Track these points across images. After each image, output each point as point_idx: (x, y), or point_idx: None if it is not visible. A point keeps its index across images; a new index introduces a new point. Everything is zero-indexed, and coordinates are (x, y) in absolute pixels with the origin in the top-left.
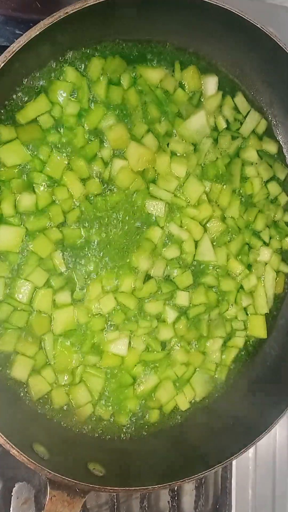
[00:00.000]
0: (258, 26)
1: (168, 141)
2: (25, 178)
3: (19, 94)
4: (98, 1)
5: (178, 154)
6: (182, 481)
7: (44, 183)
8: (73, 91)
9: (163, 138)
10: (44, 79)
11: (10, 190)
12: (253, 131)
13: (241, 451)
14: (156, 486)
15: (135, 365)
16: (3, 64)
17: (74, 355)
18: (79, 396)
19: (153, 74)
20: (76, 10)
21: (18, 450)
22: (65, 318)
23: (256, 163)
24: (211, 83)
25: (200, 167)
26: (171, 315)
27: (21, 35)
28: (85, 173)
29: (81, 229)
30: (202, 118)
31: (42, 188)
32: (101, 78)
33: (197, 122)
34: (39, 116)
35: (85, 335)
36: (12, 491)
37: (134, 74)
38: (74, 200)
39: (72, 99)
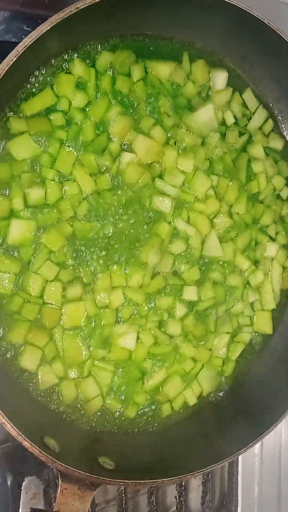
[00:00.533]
0: (265, 21)
1: (176, 134)
2: (35, 172)
3: (29, 87)
4: None
5: (186, 148)
6: (191, 474)
7: (54, 178)
8: (80, 84)
9: (170, 131)
10: (53, 72)
11: (20, 184)
12: (260, 128)
13: (249, 445)
14: (165, 479)
15: (144, 360)
16: (15, 58)
17: (84, 348)
18: (88, 390)
19: (163, 68)
20: (87, 5)
21: (30, 442)
22: (75, 311)
23: (262, 159)
24: (220, 78)
25: (208, 161)
26: (180, 310)
27: (29, 31)
28: (94, 168)
29: (91, 223)
30: (210, 111)
31: (52, 182)
32: (108, 71)
33: (205, 115)
34: (51, 113)
35: (94, 328)
36: (21, 486)
37: (145, 66)
38: (84, 195)
39: (79, 91)
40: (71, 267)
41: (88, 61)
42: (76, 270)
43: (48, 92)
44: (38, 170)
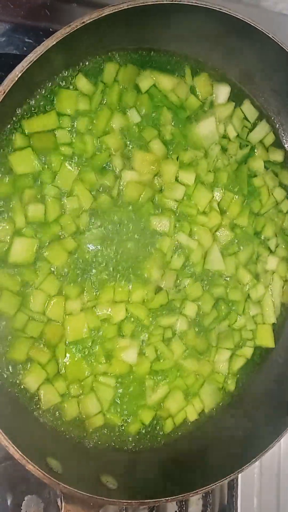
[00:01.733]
0: (270, 35)
1: (177, 147)
2: (35, 188)
3: (32, 103)
4: (113, 11)
5: (187, 161)
6: (195, 492)
7: (54, 194)
8: (84, 101)
9: (170, 144)
10: (55, 88)
11: (21, 200)
12: (261, 142)
13: (252, 461)
14: (169, 498)
15: (146, 375)
16: (20, 73)
17: (86, 363)
18: (89, 406)
19: (166, 80)
20: (92, 19)
21: (34, 465)
22: (77, 324)
23: (262, 173)
24: (223, 92)
25: (209, 174)
26: (181, 325)
27: (30, 42)
28: (95, 184)
29: (93, 238)
30: (212, 124)
31: (52, 198)
32: (114, 84)
33: (207, 128)
34: (56, 130)
35: (96, 342)
36: (21, 505)
37: (153, 77)
38: (84, 210)
39: (83, 108)
40: (73, 282)
41: (91, 76)
42: (79, 285)
43: (52, 115)
44: (38, 185)
